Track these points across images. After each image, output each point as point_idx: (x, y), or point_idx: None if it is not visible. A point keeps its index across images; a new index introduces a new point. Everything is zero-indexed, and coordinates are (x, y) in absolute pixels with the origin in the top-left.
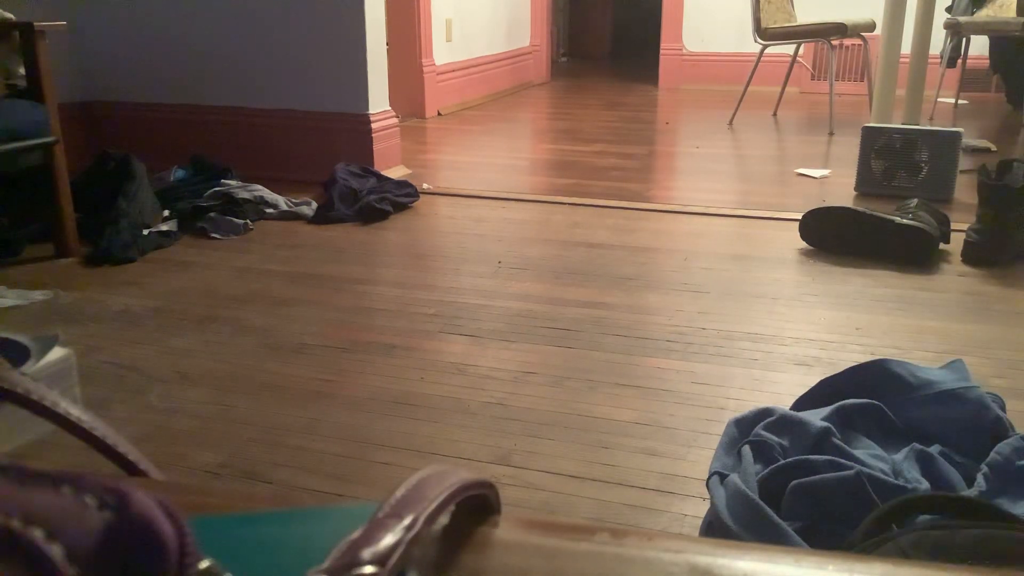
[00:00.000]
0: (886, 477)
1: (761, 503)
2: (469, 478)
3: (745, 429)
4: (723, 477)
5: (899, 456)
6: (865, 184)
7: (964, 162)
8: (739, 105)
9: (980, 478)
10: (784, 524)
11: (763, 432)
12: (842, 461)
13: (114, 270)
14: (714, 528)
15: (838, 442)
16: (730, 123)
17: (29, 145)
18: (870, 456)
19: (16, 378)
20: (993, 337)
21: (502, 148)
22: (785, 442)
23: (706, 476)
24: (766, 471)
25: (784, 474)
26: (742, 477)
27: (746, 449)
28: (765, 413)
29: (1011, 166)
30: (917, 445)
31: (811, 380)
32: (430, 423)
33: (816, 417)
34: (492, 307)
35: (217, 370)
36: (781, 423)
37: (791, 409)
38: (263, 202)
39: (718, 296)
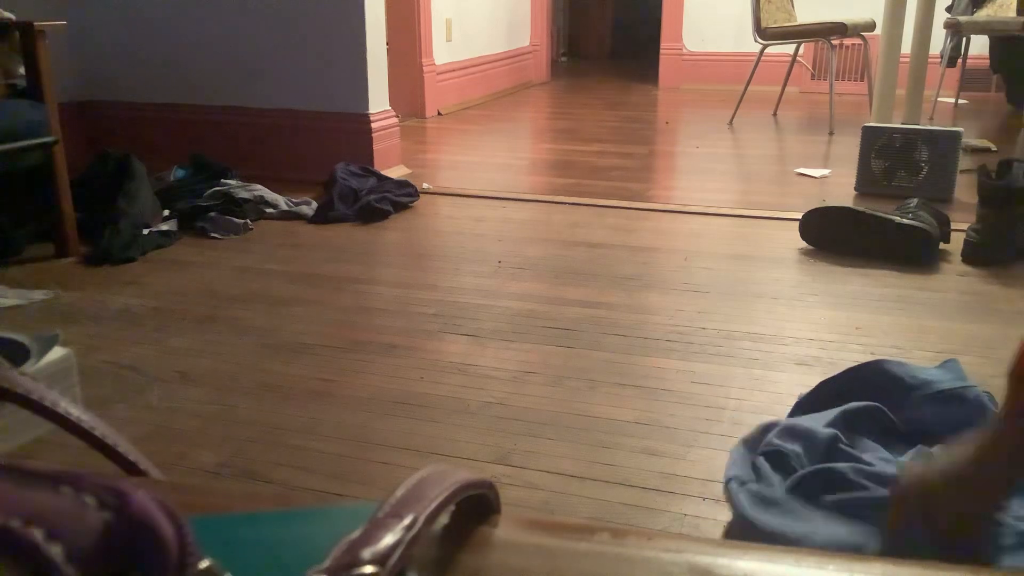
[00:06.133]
0: None
1: (789, 496)
2: (469, 478)
3: (753, 446)
4: (741, 482)
5: (905, 458)
6: (865, 184)
7: (964, 162)
8: (739, 105)
9: None
10: (815, 506)
11: (776, 440)
12: (868, 469)
13: (114, 270)
14: (740, 532)
15: (846, 448)
16: (730, 123)
17: (29, 145)
18: (879, 460)
19: (16, 378)
20: (993, 337)
21: (502, 148)
22: (799, 449)
23: (705, 476)
24: (791, 480)
25: (811, 482)
26: (765, 486)
27: (762, 461)
28: (768, 427)
29: (1011, 166)
30: (923, 447)
31: (811, 380)
32: (430, 423)
33: (820, 424)
34: (492, 307)
35: (217, 370)
36: (788, 432)
37: (792, 410)
38: (263, 202)
39: (718, 296)
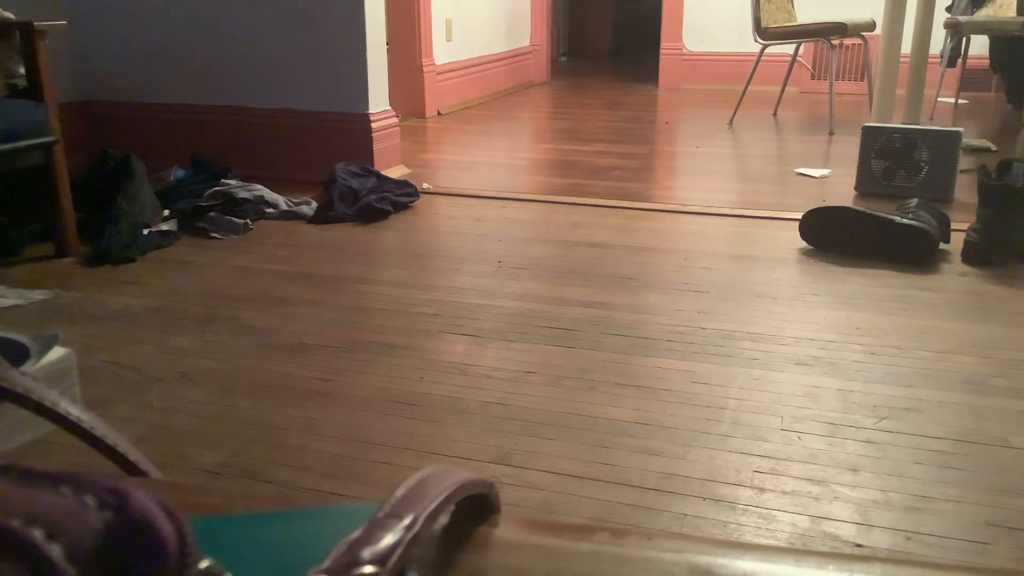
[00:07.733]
0: None
1: None
2: (469, 478)
3: None
4: None
5: None
6: (865, 184)
7: (964, 162)
8: (739, 105)
9: None
10: None
11: None
12: None
13: (114, 270)
14: None
15: None
16: (730, 123)
17: (29, 145)
18: None
19: (16, 378)
20: (993, 337)
21: (502, 148)
22: None
23: (705, 476)
24: None
25: None
26: None
27: None
28: None
29: (1011, 166)
30: None
31: (811, 380)
32: (430, 423)
33: None
34: (492, 307)
35: (217, 370)
36: None
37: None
38: (263, 202)
39: (718, 296)
